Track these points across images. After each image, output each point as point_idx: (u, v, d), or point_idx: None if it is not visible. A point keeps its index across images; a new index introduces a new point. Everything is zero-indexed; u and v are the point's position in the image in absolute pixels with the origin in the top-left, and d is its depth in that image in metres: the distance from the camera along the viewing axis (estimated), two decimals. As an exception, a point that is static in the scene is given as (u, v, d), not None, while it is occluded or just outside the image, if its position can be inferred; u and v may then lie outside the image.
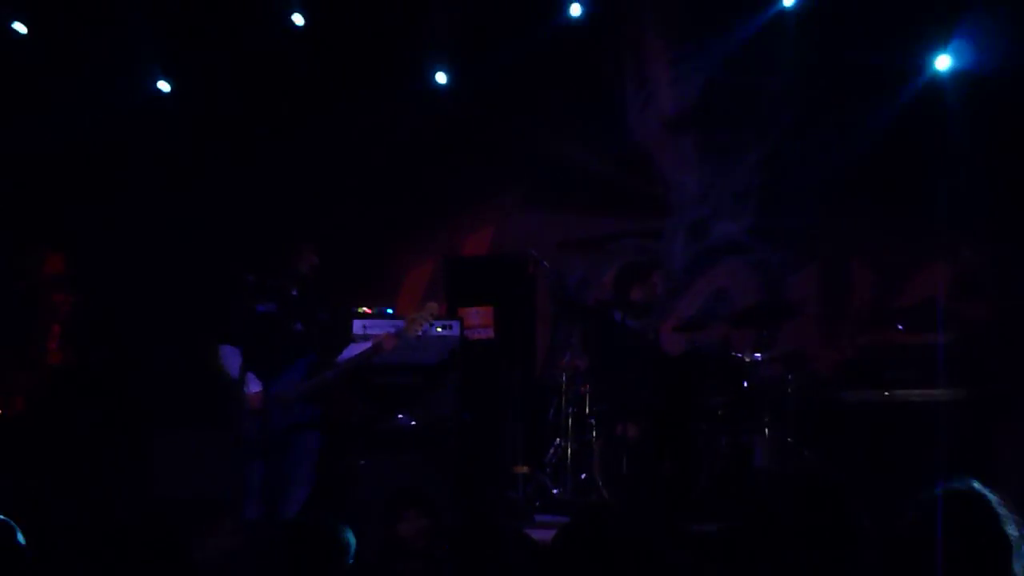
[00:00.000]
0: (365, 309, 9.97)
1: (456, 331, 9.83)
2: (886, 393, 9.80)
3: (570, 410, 10.23)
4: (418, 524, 6.99)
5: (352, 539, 4.98)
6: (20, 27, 11.16)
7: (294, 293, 8.76)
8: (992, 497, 3.93)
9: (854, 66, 10.77)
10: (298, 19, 11.21)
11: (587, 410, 10.19)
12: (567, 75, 11.60)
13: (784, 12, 10.86)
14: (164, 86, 11.65)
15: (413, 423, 9.83)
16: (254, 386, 8.59)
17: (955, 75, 10.57)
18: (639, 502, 9.46)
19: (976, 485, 3.96)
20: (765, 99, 11.41)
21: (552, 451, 10.31)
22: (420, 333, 8.91)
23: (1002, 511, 3.86)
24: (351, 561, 5.12)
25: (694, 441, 9.65)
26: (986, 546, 3.85)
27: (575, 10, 11.06)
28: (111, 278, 10.94)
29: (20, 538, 5.10)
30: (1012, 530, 3.84)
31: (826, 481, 4.09)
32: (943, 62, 10.50)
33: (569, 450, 10.12)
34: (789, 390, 10.00)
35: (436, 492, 8.48)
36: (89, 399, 10.34)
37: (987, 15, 10.39)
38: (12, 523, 5.08)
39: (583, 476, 9.91)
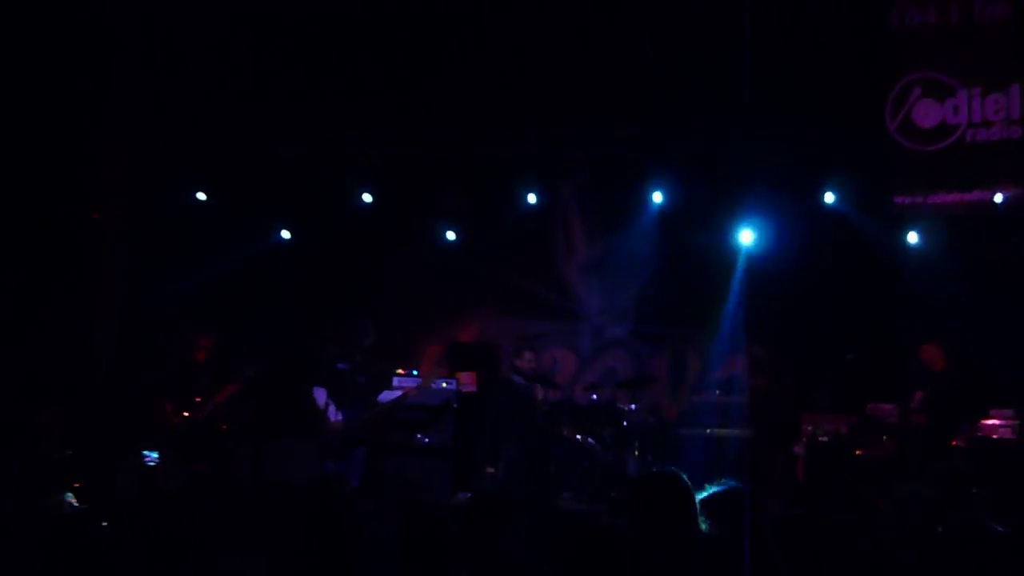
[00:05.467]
0: (400, 371, 10.83)
1: (453, 386, 10.51)
2: (708, 431, 10.73)
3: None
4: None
5: None
6: (201, 195, 11.94)
7: (359, 359, 10.00)
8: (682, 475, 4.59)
9: (696, 239, 11.77)
10: (367, 197, 12.14)
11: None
12: (523, 237, 12.52)
13: (654, 208, 11.92)
14: (285, 234, 12.37)
15: (426, 440, 10.40)
16: (335, 415, 9.76)
17: (749, 249, 11.34)
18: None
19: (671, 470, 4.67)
20: (638, 259, 12.44)
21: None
22: (431, 387, 10.38)
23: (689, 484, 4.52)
24: None
25: (591, 457, 10.45)
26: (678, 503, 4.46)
27: (532, 199, 12.16)
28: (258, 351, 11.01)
29: None
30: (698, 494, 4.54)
31: (672, 479, 4.61)
32: (746, 237, 11.33)
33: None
34: (650, 427, 10.90)
35: (440, 480, 9.94)
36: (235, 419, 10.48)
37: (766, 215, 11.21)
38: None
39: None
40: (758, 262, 11.40)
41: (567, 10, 10.60)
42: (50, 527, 5.87)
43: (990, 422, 9.55)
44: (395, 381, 10.55)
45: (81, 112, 10.97)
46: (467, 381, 10.74)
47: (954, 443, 9.61)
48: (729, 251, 11.56)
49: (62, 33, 10.48)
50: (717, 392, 11.27)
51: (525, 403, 11.10)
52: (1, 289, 9.57)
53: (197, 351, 10.49)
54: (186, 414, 10.14)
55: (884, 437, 10.02)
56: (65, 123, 10.77)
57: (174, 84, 11.28)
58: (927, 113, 10.23)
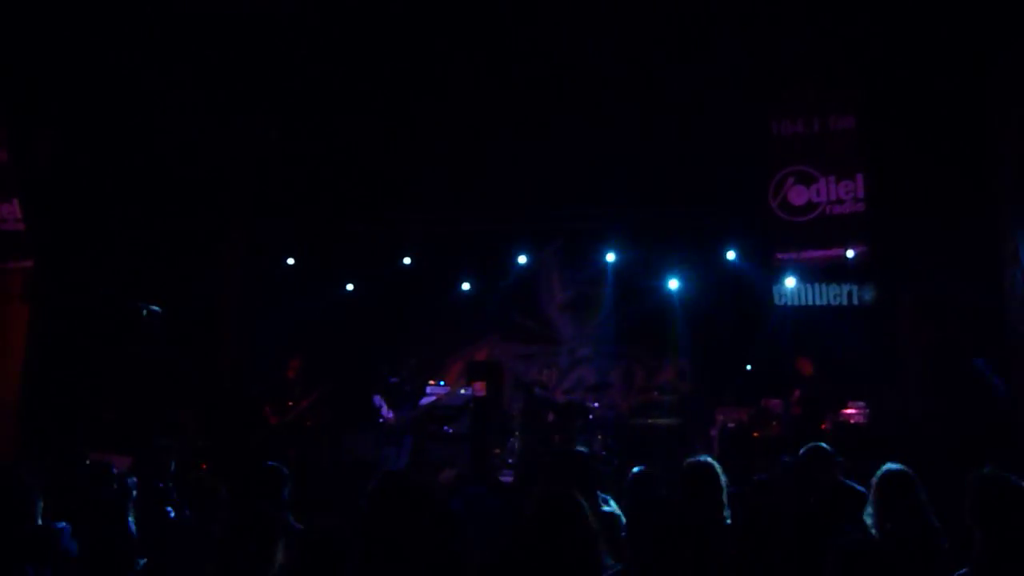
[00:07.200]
0: (433, 382, 11.20)
1: (470, 392, 10.53)
2: (649, 420, 11.04)
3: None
4: (451, 473, 8.57)
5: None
6: (291, 260, 12.04)
7: (406, 374, 10.47)
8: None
9: (639, 285, 11.89)
10: (407, 260, 12.14)
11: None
12: (517, 285, 12.46)
13: (607, 262, 11.94)
14: (350, 287, 12.49)
15: (451, 431, 10.75)
16: (388, 414, 10.24)
17: (677, 291, 11.56)
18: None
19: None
20: (598, 300, 12.52)
21: (509, 444, 10.87)
22: (455, 393, 10.83)
23: None
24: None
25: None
26: None
27: (523, 260, 12.21)
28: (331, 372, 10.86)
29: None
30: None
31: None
32: (673, 284, 11.59)
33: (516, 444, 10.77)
34: (608, 419, 10.99)
35: (461, 459, 10.14)
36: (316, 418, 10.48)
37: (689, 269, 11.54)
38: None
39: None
40: (682, 301, 11.73)
41: (552, 133, 10.85)
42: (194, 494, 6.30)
43: (848, 411, 9.86)
44: (429, 389, 11.01)
45: (212, 209, 11.47)
46: (480, 389, 10.80)
47: (823, 426, 9.64)
48: (662, 293, 11.93)
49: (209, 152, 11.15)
50: (656, 393, 11.67)
51: (536, 406, 11.12)
52: (157, 333, 9.82)
53: (288, 370, 10.75)
54: (274, 419, 10.38)
55: (773, 423, 10.18)
56: (202, 218, 11.31)
57: (274, 187, 11.81)
58: (798, 195, 10.23)
